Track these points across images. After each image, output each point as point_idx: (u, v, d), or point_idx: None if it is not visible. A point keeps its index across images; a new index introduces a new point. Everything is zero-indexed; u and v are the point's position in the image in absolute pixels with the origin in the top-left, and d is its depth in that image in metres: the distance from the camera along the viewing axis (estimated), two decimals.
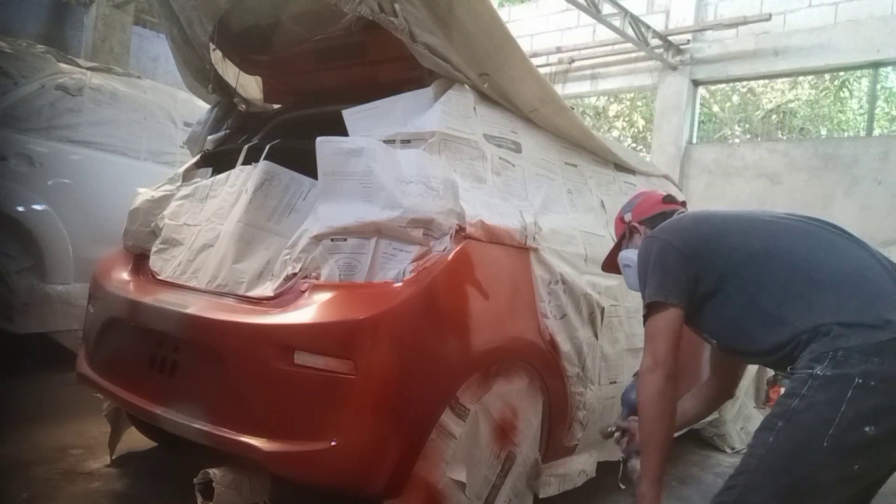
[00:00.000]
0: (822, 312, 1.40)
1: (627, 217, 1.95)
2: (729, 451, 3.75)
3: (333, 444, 1.62)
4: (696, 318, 1.62)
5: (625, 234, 1.96)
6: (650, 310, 1.59)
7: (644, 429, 1.55)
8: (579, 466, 2.43)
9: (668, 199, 1.94)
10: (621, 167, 2.98)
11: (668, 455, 1.52)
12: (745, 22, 7.67)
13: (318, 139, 1.90)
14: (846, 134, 10.06)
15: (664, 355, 1.53)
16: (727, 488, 1.43)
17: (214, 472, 1.74)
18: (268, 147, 2.28)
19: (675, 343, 1.54)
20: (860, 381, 1.30)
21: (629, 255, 1.82)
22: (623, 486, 2.74)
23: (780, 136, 9.66)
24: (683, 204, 1.97)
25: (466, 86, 2.15)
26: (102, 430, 2.66)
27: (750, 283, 1.51)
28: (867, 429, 1.29)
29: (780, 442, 1.36)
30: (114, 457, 2.57)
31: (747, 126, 10.38)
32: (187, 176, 2.64)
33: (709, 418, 3.61)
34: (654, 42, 8.31)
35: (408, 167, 1.87)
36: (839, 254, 1.49)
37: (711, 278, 1.55)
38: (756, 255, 1.53)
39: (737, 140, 9.72)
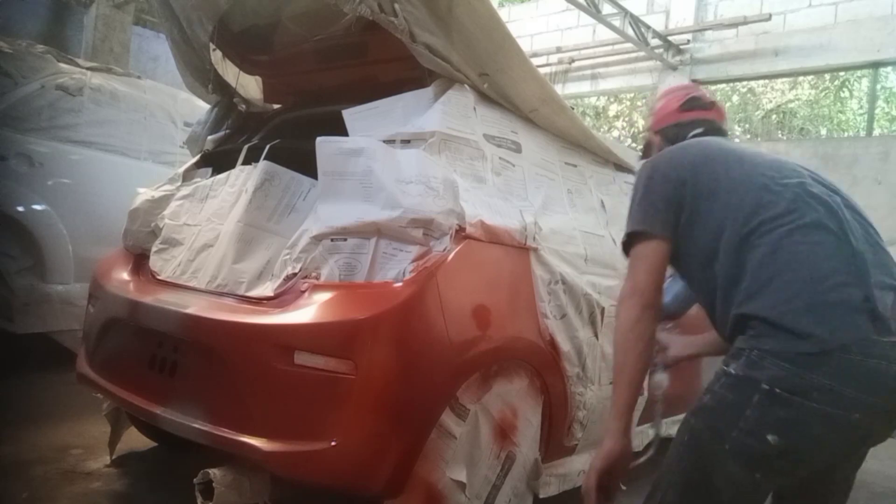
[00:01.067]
0: (757, 302, 1.27)
1: (650, 122, 1.76)
2: None
3: (333, 444, 1.62)
4: (675, 255, 1.45)
5: (647, 143, 1.77)
6: (632, 239, 1.44)
7: (615, 358, 1.41)
8: (579, 466, 2.43)
9: (688, 106, 1.68)
10: (621, 167, 2.98)
11: (638, 388, 1.39)
12: (745, 22, 7.68)
13: (318, 139, 1.90)
14: (846, 134, 10.07)
15: (643, 283, 1.39)
16: (653, 489, 1.38)
17: (214, 472, 1.74)
18: (268, 147, 2.28)
19: (657, 273, 1.41)
20: (766, 386, 1.21)
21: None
22: (623, 487, 2.73)
23: (780, 136, 9.67)
24: (711, 106, 1.70)
25: (466, 86, 2.15)
26: (102, 430, 2.66)
27: (713, 237, 1.36)
28: (769, 437, 1.20)
29: (690, 438, 1.31)
30: (114, 457, 2.57)
31: (747, 126, 10.39)
32: (187, 176, 2.64)
33: None
34: (654, 42, 8.31)
35: (408, 167, 1.87)
36: (819, 241, 1.28)
37: (685, 214, 1.41)
38: (735, 208, 1.35)
39: (737, 140, 9.72)
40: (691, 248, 1.42)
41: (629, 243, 1.46)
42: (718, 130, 1.68)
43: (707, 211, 1.39)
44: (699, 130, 1.64)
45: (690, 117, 1.68)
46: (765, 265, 1.29)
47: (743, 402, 1.23)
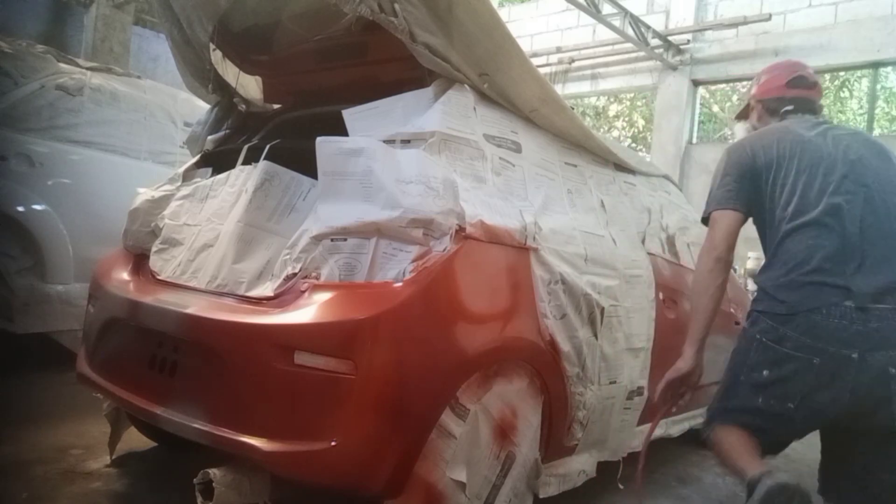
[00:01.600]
0: (762, 275, 1.84)
1: (753, 90, 2.13)
2: None
3: (333, 444, 1.62)
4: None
5: (748, 105, 2.18)
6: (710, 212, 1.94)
7: (693, 298, 1.94)
8: (579, 466, 2.43)
9: (794, 83, 2.01)
10: (621, 167, 2.98)
11: (709, 323, 1.87)
12: (745, 22, 7.68)
13: (318, 139, 1.89)
14: None
15: (717, 241, 1.86)
16: (712, 406, 1.97)
17: (214, 472, 1.74)
18: (268, 147, 2.28)
19: (729, 235, 1.86)
20: (759, 336, 1.78)
21: (739, 130, 2.24)
22: (622, 486, 2.73)
23: None
24: (814, 86, 2.02)
25: (466, 86, 2.15)
26: (102, 430, 2.66)
27: (763, 217, 1.88)
28: (764, 372, 1.75)
29: (725, 376, 1.91)
30: (114, 457, 2.57)
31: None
32: (187, 176, 2.64)
33: None
34: (654, 42, 8.32)
35: (408, 167, 1.87)
36: (816, 236, 1.72)
37: (755, 189, 1.88)
38: (780, 198, 1.81)
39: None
40: (756, 220, 1.92)
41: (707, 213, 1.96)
42: (812, 109, 2.03)
43: (767, 193, 1.85)
44: (790, 108, 2.01)
45: (793, 94, 2.02)
46: (775, 249, 1.81)
47: (749, 348, 1.82)
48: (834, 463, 1.84)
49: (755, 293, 1.86)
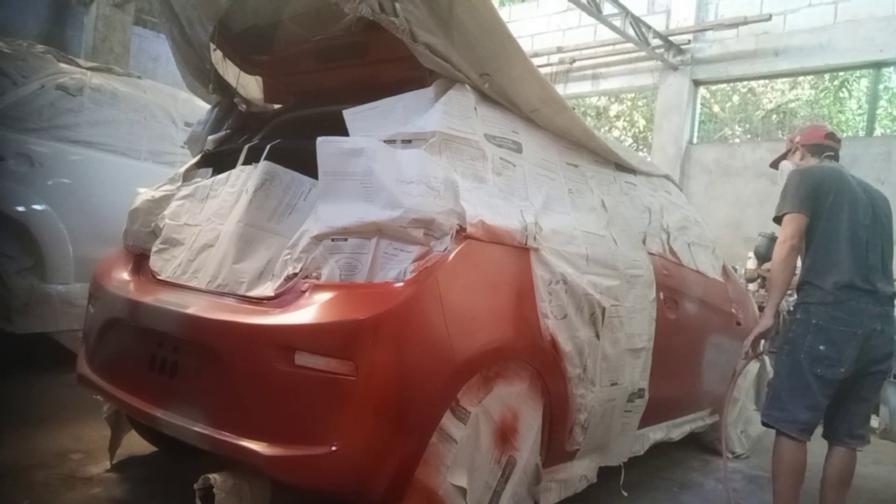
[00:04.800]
0: (813, 272, 2.56)
1: (797, 138, 2.92)
2: (730, 455, 3.71)
3: (334, 448, 1.61)
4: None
5: (790, 149, 2.95)
6: (784, 213, 2.59)
7: (772, 276, 2.61)
8: (580, 471, 2.42)
9: (829, 137, 2.85)
10: (622, 167, 2.97)
11: (784, 294, 2.63)
12: (745, 22, 7.67)
13: (319, 139, 1.89)
14: (845, 134, 10.04)
15: (791, 235, 2.54)
16: (768, 396, 2.67)
17: (215, 478, 1.73)
18: (268, 147, 2.27)
19: (800, 231, 2.55)
20: (815, 321, 2.48)
21: (786, 165, 2.94)
22: (626, 494, 2.72)
23: (780, 136, 9.65)
24: (839, 141, 2.86)
25: (467, 86, 2.14)
26: (102, 433, 2.65)
27: (822, 229, 2.57)
28: (821, 347, 2.44)
29: (787, 356, 2.55)
30: (114, 461, 2.56)
31: (748, 126, 10.38)
32: (187, 176, 2.63)
33: (709, 421, 3.59)
34: (655, 42, 8.31)
35: (408, 167, 1.86)
36: (845, 249, 2.51)
37: (814, 205, 2.56)
38: (829, 217, 2.55)
39: (737, 140, 9.72)
40: (809, 228, 2.58)
41: (781, 217, 2.61)
42: (837, 157, 2.85)
43: (820, 210, 2.56)
44: (830, 153, 2.82)
45: (828, 143, 2.84)
46: (825, 256, 2.54)
47: (806, 332, 2.50)
48: (831, 411, 2.55)
49: (802, 288, 2.59)
